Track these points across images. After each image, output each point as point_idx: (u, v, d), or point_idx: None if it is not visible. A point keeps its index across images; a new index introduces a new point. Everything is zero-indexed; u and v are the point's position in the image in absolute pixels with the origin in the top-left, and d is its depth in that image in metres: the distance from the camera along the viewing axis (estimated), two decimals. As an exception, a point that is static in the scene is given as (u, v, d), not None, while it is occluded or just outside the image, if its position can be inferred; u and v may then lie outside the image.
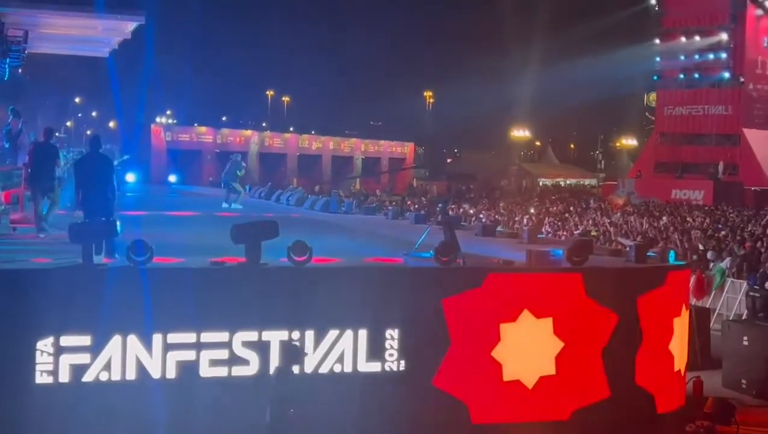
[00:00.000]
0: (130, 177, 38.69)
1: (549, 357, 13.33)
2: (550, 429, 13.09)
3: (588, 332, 13.54)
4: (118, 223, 12.72)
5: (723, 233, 33.51)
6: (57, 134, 16.98)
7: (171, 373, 11.78)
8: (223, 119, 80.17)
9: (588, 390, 13.51)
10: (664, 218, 42.69)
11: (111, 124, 77.36)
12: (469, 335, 12.97)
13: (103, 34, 29.03)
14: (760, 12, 73.90)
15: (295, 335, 12.23)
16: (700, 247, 29.31)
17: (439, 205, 22.22)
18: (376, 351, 12.58)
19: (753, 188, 66.64)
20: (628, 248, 16.31)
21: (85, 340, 11.44)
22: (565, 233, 35.04)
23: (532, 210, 46.68)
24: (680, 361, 14.86)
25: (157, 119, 75.39)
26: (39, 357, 11.27)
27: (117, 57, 33.66)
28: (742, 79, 72.71)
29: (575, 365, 13.42)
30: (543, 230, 33.07)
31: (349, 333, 12.48)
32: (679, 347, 14.71)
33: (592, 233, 33.09)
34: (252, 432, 11.64)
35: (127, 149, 42.33)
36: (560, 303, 13.49)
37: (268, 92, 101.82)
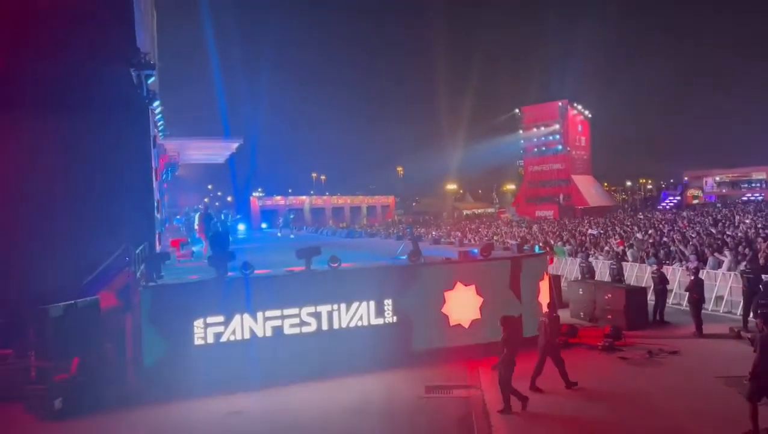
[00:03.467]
0: (241, 227, 38.66)
1: (475, 307, 13.30)
2: (480, 347, 13.01)
3: (495, 291, 13.47)
4: (234, 253, 12.72)
5: (564, 233, 33.57)
6: (209, 206, 17.21)
7: (268, 333, 11.74)
8: (289, 190, 79.85)
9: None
10: (534, 226, 42.74)
11: (228, 198, 77.17)
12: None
13: (220, 151, 29.20)
14: (575, 111, 75.34)
15: (335, 307, 12.18)
16: (551, 242, 29.34)
17: (408, 229, 22.20)
18: (380, 312, 12.55)
19: (580, 207, 67.66)
20: (512, 245, 16.34)
21: (220, 318, 11.43)
22: (477, 239, 35.03)
23: (458, 228, 46.67)
24: (544, 304, 14.77)
25: (254, 193, 75.20)
26: (196, 330, 11.26)
27: (231, 161, 33.92)
28: (568, 149, 73.64)
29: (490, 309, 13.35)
30: (465, 238, 33.05)
31: (364, 304, 12.44)
32: (544, 296, 14.68)
33: (494, 238, 33.09)
34: (315, 364, 11.60)
35: (238, 211, 42.23)
36: (479, 276, 13.46)
37: (312, 174, 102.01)
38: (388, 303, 12.56)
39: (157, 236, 16.57)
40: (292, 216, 34.41)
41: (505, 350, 9.59)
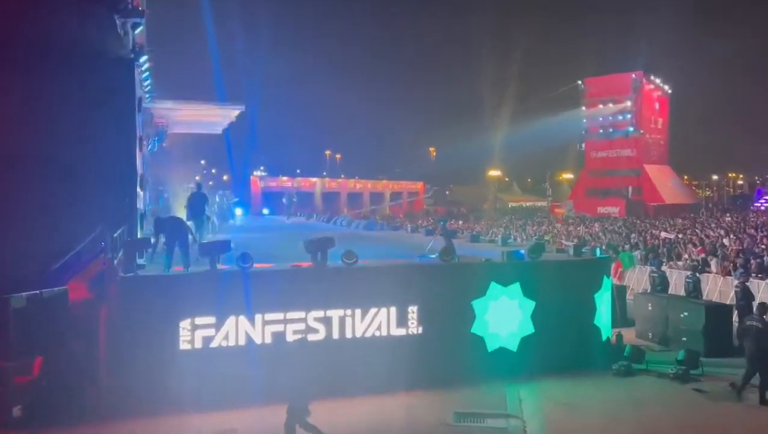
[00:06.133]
0: (239, 211, 39.02)
1: (518, 319, 13.25)
2: (523, 367, 12.96)
3: (542, 301, 13.39)
4: (231, 242, 12.84)
5: (633, 235, 33.20)
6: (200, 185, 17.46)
7: (268, 340, 11.85)
8: (297, 171, 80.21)
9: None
10: (596, 225, 42.39)
11: (225, 177, 77.91)
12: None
13: (217, 119, 29.39)
14: (651, 86, 74.14)
15: (348, 312, 12.24)
16: (617, 245, 29.00)
17: (441, 222, 22.13)
18: (402, 321, 12.56)
19: (653, 204, 66.91)
20: (568, 247, 16.21)
21: (211, 320, 11.56)
22: (524, 238, 34.81)
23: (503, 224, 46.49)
24: (604, 315, 14.72)
25: (255, 172, 75.66)
26: (182, 332, 11.41)
27: (228, 134, 34.19)
28: (641, 131, 72.66)
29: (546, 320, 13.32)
30: (512, 236, 32.86)
31: (384, 310, 12.47)
32: (604, 309, 14.57)
33: (545, 237, 32.84)
34: (322, 379, 11.66)
35: (236, 193, 42.57)
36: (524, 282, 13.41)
37: (326, 151, 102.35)
38: (412, 310, 12.60)
39: (138, 217, 16.76)
40: (294, 199, 34.69)
41: None
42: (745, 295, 15.91)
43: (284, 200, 34.45)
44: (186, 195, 17.70)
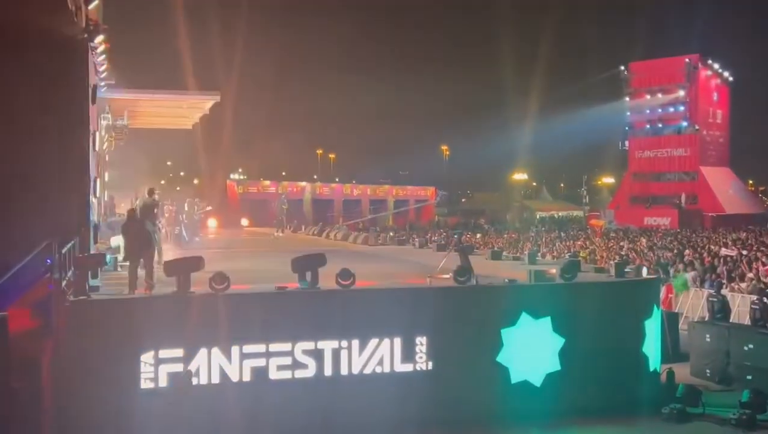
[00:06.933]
0: (212, 222, 39.07)
1: (551, 353, 13.29)
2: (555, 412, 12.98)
3: (581, 330, 13.40)
4: (203, 259, 12.88)
5: (687, 251, 33.18)
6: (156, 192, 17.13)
7: (246, 377, 11.85)
8: (283, 174, 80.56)
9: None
10: (643, 240, 42.39)
11: (195, 181, 78.11)
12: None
13: (186, 111, 29.53)
14: (709, 72, 74.22)
15: (344, 344, 12.26)
16: (668, 264, 29.01)
17: (455, 235, 22.17)
18: (408, 354, 12.58)
19: (710, 214, 66.83)
20: (609, 266, 16.23)
21: (179, 352, 11.57)
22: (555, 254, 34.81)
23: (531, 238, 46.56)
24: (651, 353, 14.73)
25: (231, 176, 75.81)
26: (143, 367, 11.43)
27: (199, 129, 34.37)
28: (697, 127, 72.73)
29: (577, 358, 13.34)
30: (540, 253, 32.85)
31: (386, 341, 12.48)
32: (651, 341, 14.60)
33: (581, 255, 32.82)
34: (312, 425, 11.68)
35: (208, 201, 42.65)
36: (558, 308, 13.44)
37: (317, 151, 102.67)
38: (421, 342, 12.62)
39: (92, 229, 16.78)
40: (285, 206, 34.81)
41: None
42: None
43: (284, 206, 34.57)
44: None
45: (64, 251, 12.65)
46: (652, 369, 14.54)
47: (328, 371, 12.15)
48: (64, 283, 11.92)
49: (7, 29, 14.40)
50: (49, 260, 12.46)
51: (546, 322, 13.28)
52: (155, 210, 16.61)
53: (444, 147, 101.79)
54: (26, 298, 12.35)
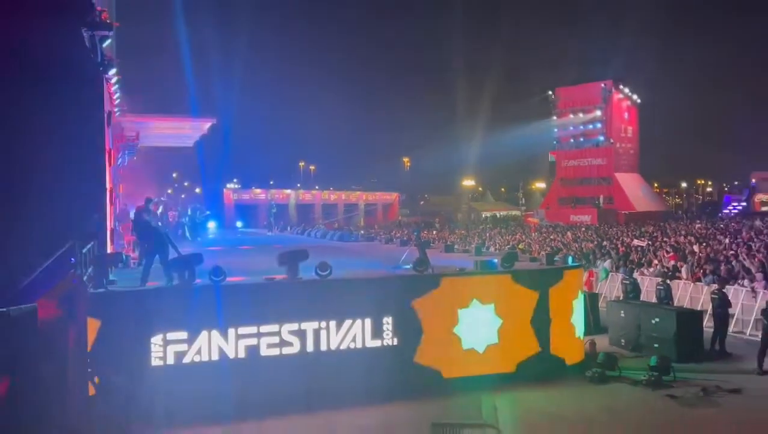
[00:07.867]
0: (211, 225, 38.70)
1: (494, 329, 13.31)
2: (498, 379, 13.07)
3: (518, 311, 13.53)
4: (202, 255, 12.74)
5: (605, 242, 33.56)
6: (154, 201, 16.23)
7: (241, 354, 11.76)
8: (271, 182, 79.83)
9: (524, 349, 13.49)
10: (569, 234, 42.78)
11: (197, 190, 77.31)
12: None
13: (188, 132, 29.23)
14: (621, 96, 75.41)
15: (323, 325, 12.20)
16: (590, 254, 29.33)
17: (414, 232, 22.18)
18: (377, 332, 12.55)
19: (624, 212, 67.81)
20: (541, 256, 16.34)
21: (183, 335, 11.45)
22: (497, 247, 34.98)
23: (477, 234, 46.74)
24: (579, 328, 14.85)
25: (228, 185, 75.19)
26: (153, 348, 11.28)
27: (200, 146, 34.06)
28: (612, 141, 73.77)
29: (512, 334, 13.40)
30: (485, 246, 33.00)
31: (359, 321, 12.44)
32: (577, 319, 14.72)
33: (518, 247, 33.04)
34: (297, 394, 11.62)
35: (208, 206, 42.23)
36: (500, 292, 13.50)
37: (300, 162, 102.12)
38: (387, 322, 12.59)
39: (108, 232, 16.55)
40: (274, 210, 34.86)
41: None
42: (722, 303, 16.13)
43: (273, 210, 34.67)
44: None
45: (84, 251, 12.46)
46: (577, 336, 14.68)
47: (310, 348, 12.08)
48: (85, 277, 11.73)
49: (35, 63, 14.19)
50: (72, 259, 12.27)
51: (490, 307, 13.34)
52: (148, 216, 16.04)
53: (405, 159, 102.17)
54: (53, 291, 12.13)
